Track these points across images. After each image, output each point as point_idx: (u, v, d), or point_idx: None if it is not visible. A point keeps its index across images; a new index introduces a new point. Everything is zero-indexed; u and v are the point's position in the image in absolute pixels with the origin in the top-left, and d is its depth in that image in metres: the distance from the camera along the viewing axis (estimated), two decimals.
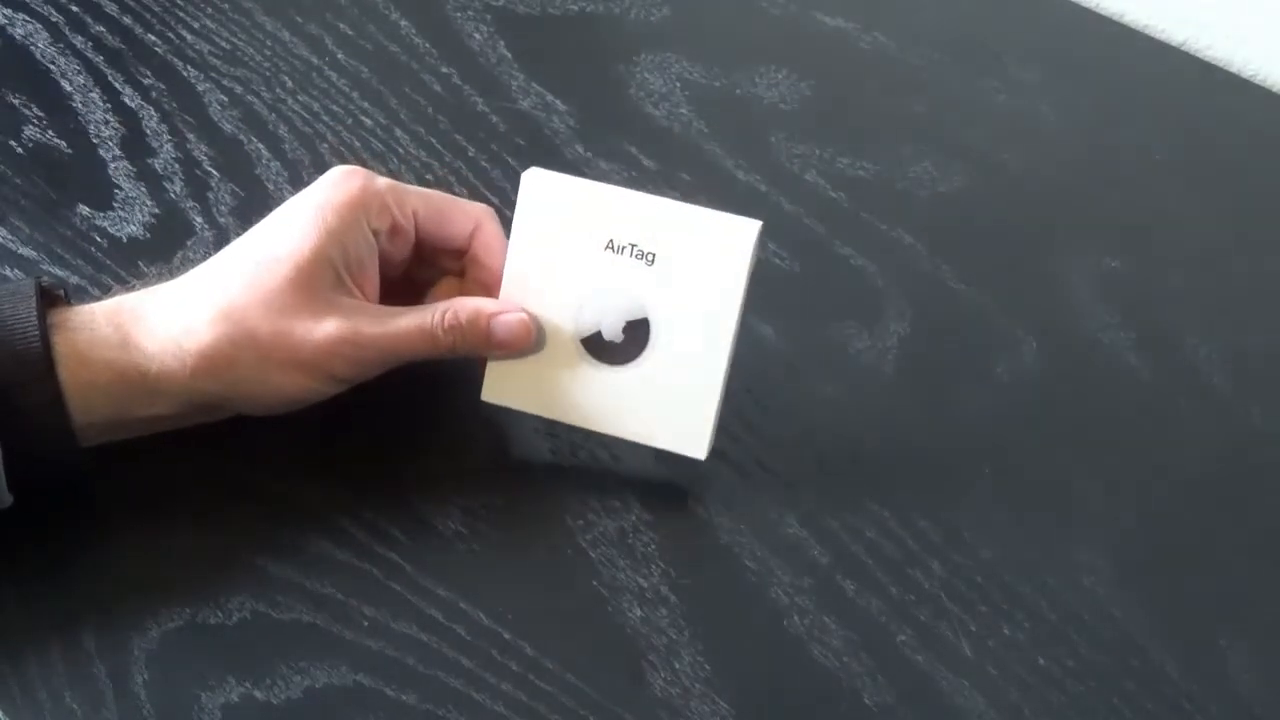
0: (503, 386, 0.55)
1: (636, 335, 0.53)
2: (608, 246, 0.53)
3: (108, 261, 0.62)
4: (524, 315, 0.53)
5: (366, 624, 0.51)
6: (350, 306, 0.52)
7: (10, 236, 0.63)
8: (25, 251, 0.63)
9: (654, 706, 0.49)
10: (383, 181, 0.54)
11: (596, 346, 0.54)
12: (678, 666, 0.50)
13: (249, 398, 0.52)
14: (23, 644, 0.50)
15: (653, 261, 0.53)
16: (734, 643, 0.51)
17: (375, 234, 0.54)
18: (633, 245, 0.53)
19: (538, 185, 0.54)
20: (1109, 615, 0.52)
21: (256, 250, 0.53)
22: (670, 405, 0.53)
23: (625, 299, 0.53)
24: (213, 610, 0.51)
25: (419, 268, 0.57)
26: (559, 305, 0.54)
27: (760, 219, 0.53)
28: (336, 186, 0.54)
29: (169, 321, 0.51)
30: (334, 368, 0.52)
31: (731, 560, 0.53)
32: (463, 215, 0.56)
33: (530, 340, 0.54)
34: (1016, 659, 0.51)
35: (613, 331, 0.53)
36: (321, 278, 0.52)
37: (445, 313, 0.53)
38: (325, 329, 0.51)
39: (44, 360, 0.49)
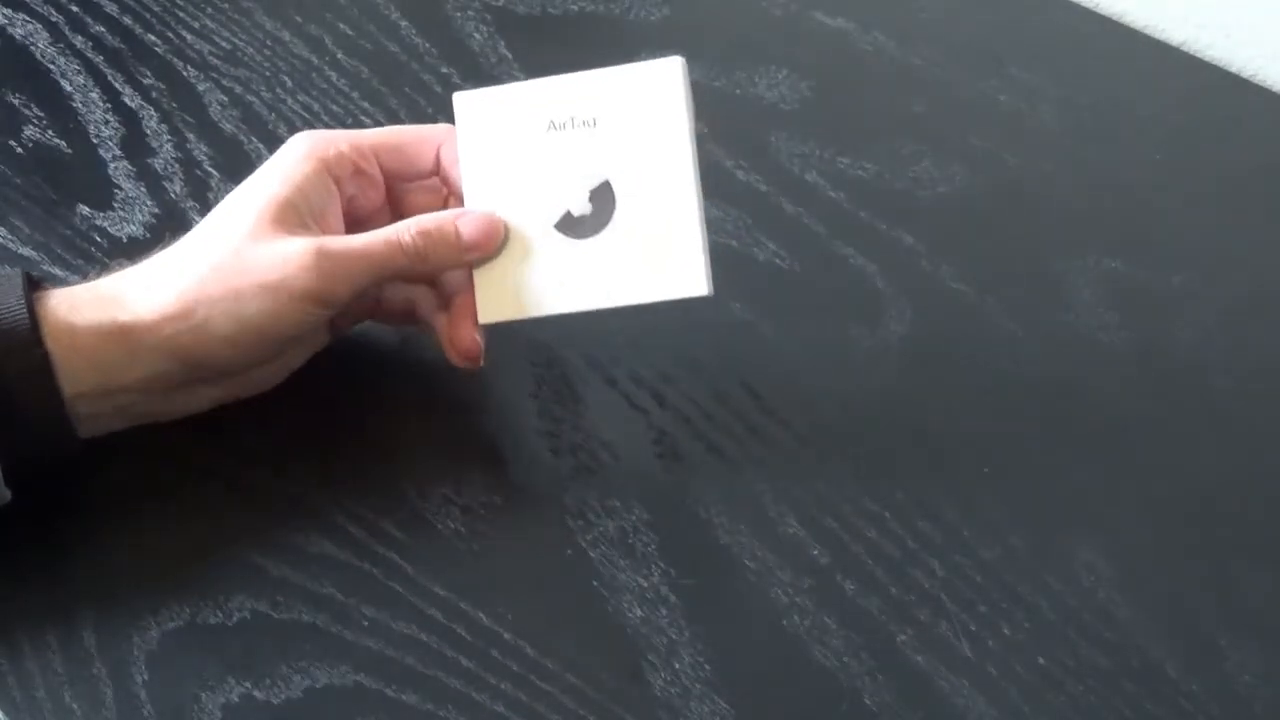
0: (497, 303, 0.55)
1: (603, 200, 0.54)
2: (550, 127, 0.54)
3: (108, 261, 0.62)
4: (488, 213, 0.54)
5: (366, 624, 0.51)
6: (315, 233, 0.53)
7: (10, 236, 0.63)
8: (25, 251, 0.63)
9: (654, 706, 0.49)
10: (338, 131, 0.56)
11: (570, 226, 0.54)
12: (678, 666, 0.50)
13: (225, 339, 0.52)
14: (22, 643, 0.50)
15: (595, 125, 0.54)
16: (734, 643, 0.51)
17: (337, 181, 0.55)
18: (572, 118, 0.54)
19: (471, 104, 0.55)
20: (1109, 615, 0.52)
21: (222, 210, 0.54)
22: (655, 254, 0.54)
23: (581, 169, 0.54)
24: (213, 610, 0.51)
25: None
26: (524, 202, 0.54)
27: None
28: (292, 144, 0.55)
29: (142, 281, 0.53)
30: (303, 282, 0.52)
31: (731, 560, 0.53)
32: (422, 141, 0.57)
33: (500, 236, 0.54)
34: (1016, 659, 0.51)
35: (580, 205, 0.54)
36: (283, 216, 0.53)
37: (412, 224, 0.54)
38: (290, 247, 0.52)
39: (31, 332, 0.50)
